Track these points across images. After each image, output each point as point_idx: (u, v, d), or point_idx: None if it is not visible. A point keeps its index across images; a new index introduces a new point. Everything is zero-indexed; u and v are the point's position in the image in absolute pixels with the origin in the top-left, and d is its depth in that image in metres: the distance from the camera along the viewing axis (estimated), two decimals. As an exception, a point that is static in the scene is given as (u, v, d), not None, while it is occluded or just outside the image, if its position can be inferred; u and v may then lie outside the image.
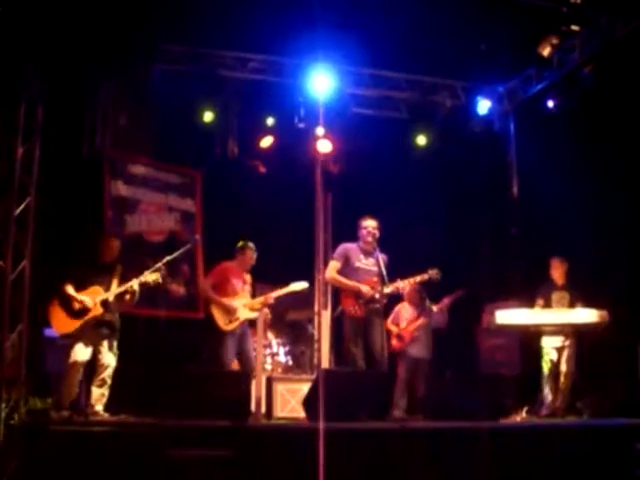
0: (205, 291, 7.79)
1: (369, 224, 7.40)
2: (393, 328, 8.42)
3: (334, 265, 7.37)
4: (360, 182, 9.59)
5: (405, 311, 8.55)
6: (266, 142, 9.65)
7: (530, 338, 8.33)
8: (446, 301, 8.67)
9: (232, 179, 9.53)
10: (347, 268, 7.34)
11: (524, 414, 7.91)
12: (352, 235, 7.54)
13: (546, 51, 8.28)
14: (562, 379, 8.07)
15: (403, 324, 8.43)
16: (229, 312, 7.52)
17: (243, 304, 7.59)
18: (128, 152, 9.34)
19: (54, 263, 7.46)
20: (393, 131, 9.96)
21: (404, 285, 7.46)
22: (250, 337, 7.70)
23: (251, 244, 7.86)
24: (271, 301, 7.71)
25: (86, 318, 6.86)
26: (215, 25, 8.11)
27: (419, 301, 8.63)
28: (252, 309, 7.62)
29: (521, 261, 9.85)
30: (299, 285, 7.74)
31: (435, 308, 8.72)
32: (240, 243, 7.86)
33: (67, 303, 6.90)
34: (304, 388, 7.28)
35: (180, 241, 8.99)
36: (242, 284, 7.76)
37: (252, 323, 8.21)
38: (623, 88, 8.20)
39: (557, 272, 8.23)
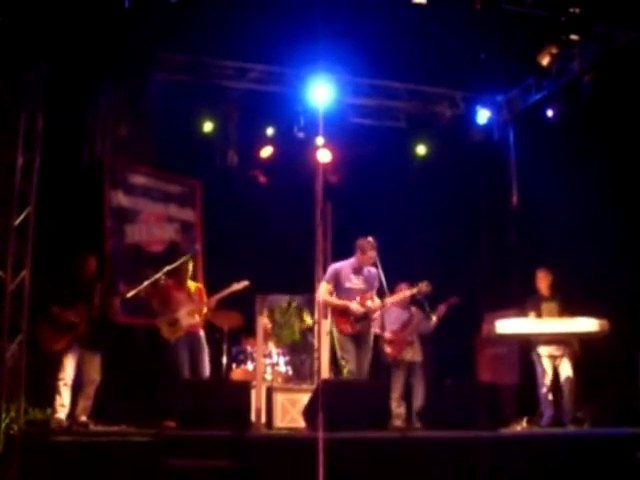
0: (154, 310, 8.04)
1: (373, 255, 7.34)
2: (386, 334, 8.30)
3: (325, 287, 7.40)
4: (360, 191, 9.59)
5: (390, 313, 8.41)
6: (266, 152, 9.67)
7: (530, 347, 8.32)
8: (441, 309, 8.67)
9: (232, 189, 9.52)
10: (337, 289, 7.37)
11: (524, 423, 7.90)
12: (352, 244, 7.52)
13: (545, 60, 8.30)
14: (563, 388, 8.06)
15: (393, 326, 8.41)
16: (171, 322, 7.76)
17: (186, 311, 7.78)
18: (128, 162, 9.33)
19: (53, 273, 7.48)
20: (393, 141, 9.98)
21: (393, 301, 7.49)
22: (203, 345, 7.85)
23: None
24: (212, 304, 7.87)
25: (72, 334, 7.06)
26: (215, 35, 8.13)
27: (407, 304, 8.58)
28: (193, 314, 7.83)
29: (521, 270, 9.83)
30: (240, 284, 7.90)
31: (434, 318, 8.70)
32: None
33: (54, 321, 7.07)
34: (304, 398, 7.26)
35: (180, 251, 8.99)
36: (185, 295, 7.97)
37: (252, 332, 8.23)
38: (623, 97, 8.21)
39: (543, 283, 8.23)
